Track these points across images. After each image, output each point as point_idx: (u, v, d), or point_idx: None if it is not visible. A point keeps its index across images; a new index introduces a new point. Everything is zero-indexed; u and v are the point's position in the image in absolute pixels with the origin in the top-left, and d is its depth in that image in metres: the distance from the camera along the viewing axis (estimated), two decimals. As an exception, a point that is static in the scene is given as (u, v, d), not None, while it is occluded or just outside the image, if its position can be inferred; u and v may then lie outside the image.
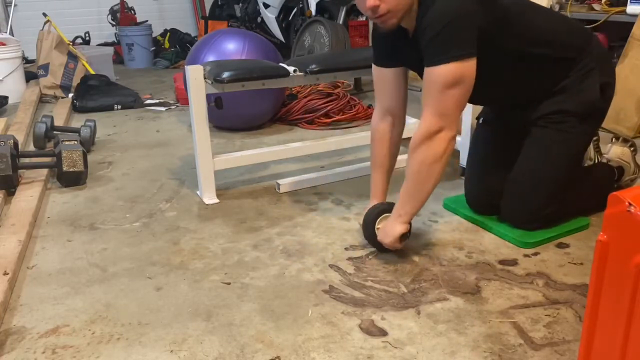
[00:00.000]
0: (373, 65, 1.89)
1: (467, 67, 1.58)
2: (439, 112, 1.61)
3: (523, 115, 1.92)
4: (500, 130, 2.04)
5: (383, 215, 1.83)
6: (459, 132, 2.60)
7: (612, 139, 2.30)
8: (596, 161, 2.27)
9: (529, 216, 1.89)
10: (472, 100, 1.81)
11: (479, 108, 2.19)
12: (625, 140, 2.28)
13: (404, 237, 1.76)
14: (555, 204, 1.89)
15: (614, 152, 2.24)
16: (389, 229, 1.75)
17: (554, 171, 1.86)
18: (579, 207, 2.01)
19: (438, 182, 1.69)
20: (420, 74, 1.85)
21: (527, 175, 1.89)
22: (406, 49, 1.76)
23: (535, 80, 1.85)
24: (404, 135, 1.96)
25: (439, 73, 1.58)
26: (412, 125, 2.78)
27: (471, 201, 2.07)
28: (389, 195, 1.96)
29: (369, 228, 1.84)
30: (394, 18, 1.64)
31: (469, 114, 2.35)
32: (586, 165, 2.24)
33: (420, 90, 2.05)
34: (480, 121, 2.11)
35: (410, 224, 1.77)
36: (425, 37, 1.60)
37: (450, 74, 1.57)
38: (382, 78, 1.88)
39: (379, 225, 1.82)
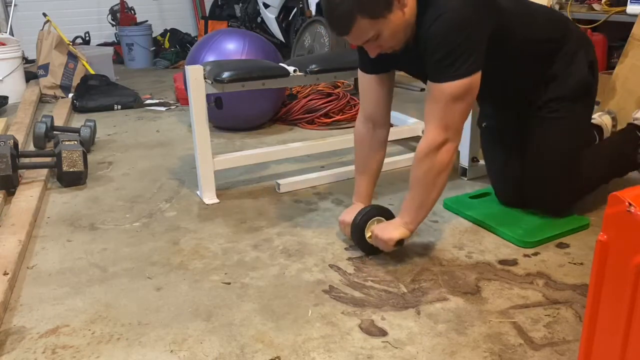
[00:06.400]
0: (358, 70, 1.86)
1: (474, 81, 1.57)
2: (445, 125, 1.60)
3: (520, 109, 1.94)
4: (503, 130, 2.06)
5: (373, 219, 1.81)
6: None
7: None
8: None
9: (553, 206, 1.97)
10: None
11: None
12: None
13: (400, 242, 1.74)
14: (574, 185, 1.94)
15: None
16: (390, 230, 1.73)
17: (561, 160, 1.89)
18: (603, 177, 2.07)
19: (443, 190, 1.71)
20: (418, 77, 1.84)
21: (537, 171, 1.93)
22: (402, 57, 1.72)
23: (522, 73, 1.85)
24: (391, 138, 1.96)
25: (446, 89, 1.56)
26: (413, 125, 2.81)
27: (504, 201, 2.11)
28: (380, 197, 1.95)
29: (358, 232, 1.81)
30: (396, 48, 1.63)
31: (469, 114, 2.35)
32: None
33: (420, 90, 2.06)
34: (483, 126, 2.13)
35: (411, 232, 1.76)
36: (433, 53, 1.56)
37: (459, 90, 1.55)
38: (365, 84, 1.86)
39: (369, 232, 1.79)
